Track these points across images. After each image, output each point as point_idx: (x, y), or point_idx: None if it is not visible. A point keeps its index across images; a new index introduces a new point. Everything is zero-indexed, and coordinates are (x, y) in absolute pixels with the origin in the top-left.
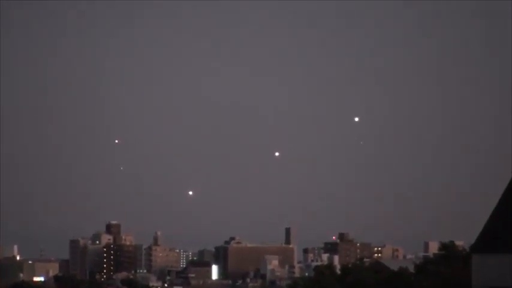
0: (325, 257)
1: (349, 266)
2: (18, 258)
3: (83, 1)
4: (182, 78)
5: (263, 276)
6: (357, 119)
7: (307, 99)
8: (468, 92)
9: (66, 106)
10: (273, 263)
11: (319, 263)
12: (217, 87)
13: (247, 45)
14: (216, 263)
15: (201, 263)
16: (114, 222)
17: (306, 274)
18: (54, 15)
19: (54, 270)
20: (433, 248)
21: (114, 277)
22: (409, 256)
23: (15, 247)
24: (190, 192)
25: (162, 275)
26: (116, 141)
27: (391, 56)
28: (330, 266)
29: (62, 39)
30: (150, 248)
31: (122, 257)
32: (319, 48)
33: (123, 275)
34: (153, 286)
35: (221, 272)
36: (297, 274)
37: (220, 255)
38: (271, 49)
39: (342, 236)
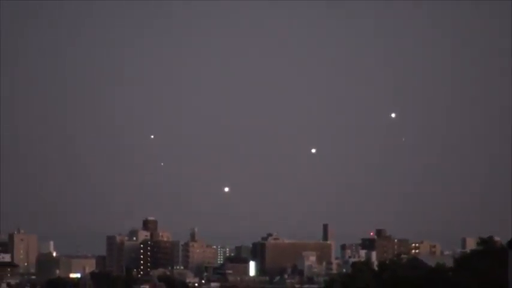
0: (362, 253)
1: (387, 262)
2: (54, 254)
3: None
4: (217, 76)
5: (300, 273)
6: (393, 115)
7: (342, 95)
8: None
9: (100, 102)
10: (311, 259)
11: (356, 259)
12: (252, 85)
13: (279, 40)
14: (253, 259)
15: (239, 259)
16: (151, 218)
17: (344, 270)
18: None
19: (90, 266)
20: (470, 244)
21: (150, 273)
22: (446, 252)
23: (52, 243)
24: (226, 189)
25: (199, 272)
26: (152, 136)
27: (408, 54)
28: (368, 262)
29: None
30: (187, 244)
31: (159, 253)
32: (352, 43)
33: (159, 271)
34: (190, 282)
35: (258, 268)
36: (334, 270)
37: (258, 252)
38: (303, 42)
39: (379, 232)
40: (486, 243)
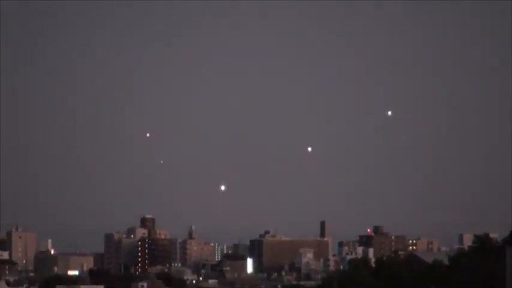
0: (360, 250)
1: (384, 258)
2: (52, 252)
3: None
4: (216, 73)
5: (298, 270)
6: (390, 113)
7: (340, 92)
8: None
9: (95, 100)
10: (308, 256)
11: (354, 256)
12: (250, 83)
13: (278, 38)
14: (251, 257)
15: (236, 257)
16: (148, 216)
17: (341, 267)
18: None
19: (88, 264)
20: (468, 240)
21: (148, 271)
22: (443, 248)
23: (50, 241)
24: (223, 187)
25: (197, 269)
26: (148, 134)
27: (414, 52)
28: (365, 259)
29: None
30: (184, 241)
31: (157, 250)
32: (347, 42)
33: (157, 268)
34: (188, 280)
35: (256, 266)
36: (331, 267)
37: (255, 249)
38: (301, 43)
39: (376, 229)
40: (482, 240)
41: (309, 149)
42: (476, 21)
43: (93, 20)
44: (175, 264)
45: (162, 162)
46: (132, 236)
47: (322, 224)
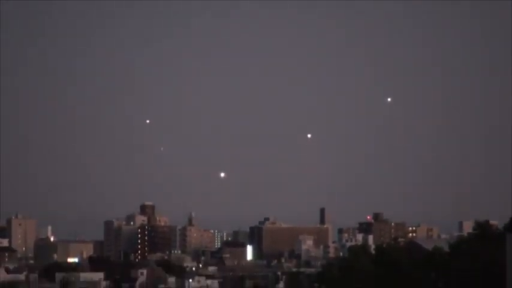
0: (359, 237)
1: (384, 246)
2: (52, 239)
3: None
4: (216, 62)
5: (298, 257)
6: (389, 100)
7: (339, 79)
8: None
9: (94, 88)
10: (308, 243)
11: (353, 243)
12: (250, 72)
13: (277, 32)
14: (250, 244)
15: (236, 244)
16: (148, 203)
17: (341, 254)
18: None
19: (88, 251)
20: (468, 227)
21: (148, 258)
22: (443, 236)
23: (49, 228)
24: (222, 174)
25: (196, 256)
26: (147, 121)
27: (415, 43)
28: (365, 246)
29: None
30: (184, 228)
31: (156, 237)
32: (347, 42)
33: (157, 255)
34: (187, 267)
35: (256, 253)
36: (331, 254)
37: (255, 236)
38: (301, 43)
39: (376, 216)
40: (482, 227)
41: (309, 135)
42: (476, 21)
43: (93, 20)
44: (175, 251)
45: (162, 149)
46: (131, 223)
47: (322, 211)
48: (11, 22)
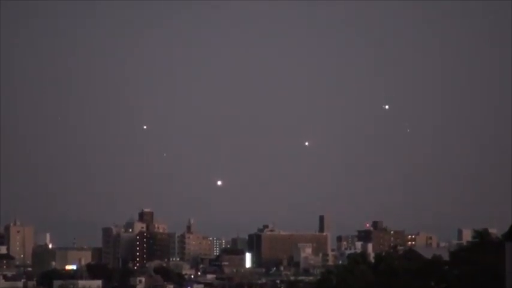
0: (358, 245)
1: (383, 254)
2: (50, 246)
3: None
4: (216, 72)
5: (296, 264)
6: (387, 107)
7: (338, 85)
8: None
9: (90, 93)
10: (307, 251)
11: (352, 251)
12: (247, 77)
13: (275, 33)
14: (249, 251)
15: (234, 251)
16: (147, 210)
17: (340, 262)
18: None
19: (86, 258)
20: (467, 236)
21: (147, 265)
22: (442, 244)
23: (48, 235)
24: (219, 182)
25: (195, 263)
26: (144, 127)
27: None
28: (364, 254)
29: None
30: (183, 235)
31: (155, 245)
32: (347, 42)
33: (156, 263)
34: (186, 274)
35: (254, 260)
36: (330, 262)
37: (254, 243)
38: (301, 43)
39: (375, 224)
40: (481, 235)
41: (306, 143)
42: (477, 21)
43: (93, 20)
44: (174, 259)
45: (165, 155)
46: (130, 230)
47: (321, 219)
48: (11, 22)
